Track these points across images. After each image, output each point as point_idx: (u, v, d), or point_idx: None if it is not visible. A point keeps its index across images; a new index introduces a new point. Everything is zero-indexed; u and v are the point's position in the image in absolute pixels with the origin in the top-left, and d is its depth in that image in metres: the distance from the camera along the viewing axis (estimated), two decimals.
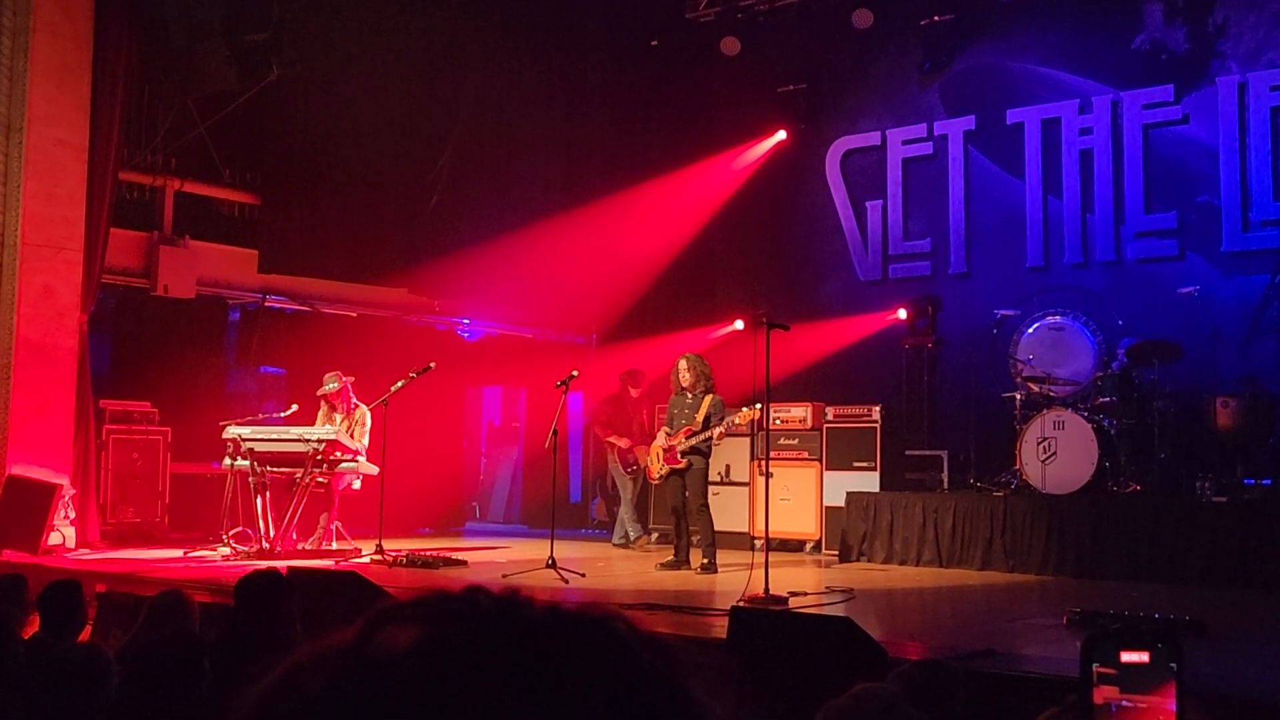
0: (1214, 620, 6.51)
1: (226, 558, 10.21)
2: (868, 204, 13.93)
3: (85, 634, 5.84)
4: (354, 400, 11.05)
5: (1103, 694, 0.95)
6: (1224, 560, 9.09)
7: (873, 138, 13.96)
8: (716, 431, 9.96)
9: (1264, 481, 10.10)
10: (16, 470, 10.93)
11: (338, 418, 10.98)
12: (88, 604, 6.06)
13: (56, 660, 3.69)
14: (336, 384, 10.98)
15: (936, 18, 13.32)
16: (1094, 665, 0.96)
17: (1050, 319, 11.24)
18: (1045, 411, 10.46)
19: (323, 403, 11.11)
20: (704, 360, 10.40)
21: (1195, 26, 11.94)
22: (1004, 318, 11.53)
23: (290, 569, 6.83)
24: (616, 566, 10.71)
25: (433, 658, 0.57)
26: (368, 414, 11.03)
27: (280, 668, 0.60)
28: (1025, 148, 12.85)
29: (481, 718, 0.55)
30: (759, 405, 10.02)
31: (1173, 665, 0.97)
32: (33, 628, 5.42)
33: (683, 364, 10.34)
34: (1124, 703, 0.95)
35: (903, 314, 13.11)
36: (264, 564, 8.53)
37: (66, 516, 11.05)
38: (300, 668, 0.59)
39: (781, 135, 14.53)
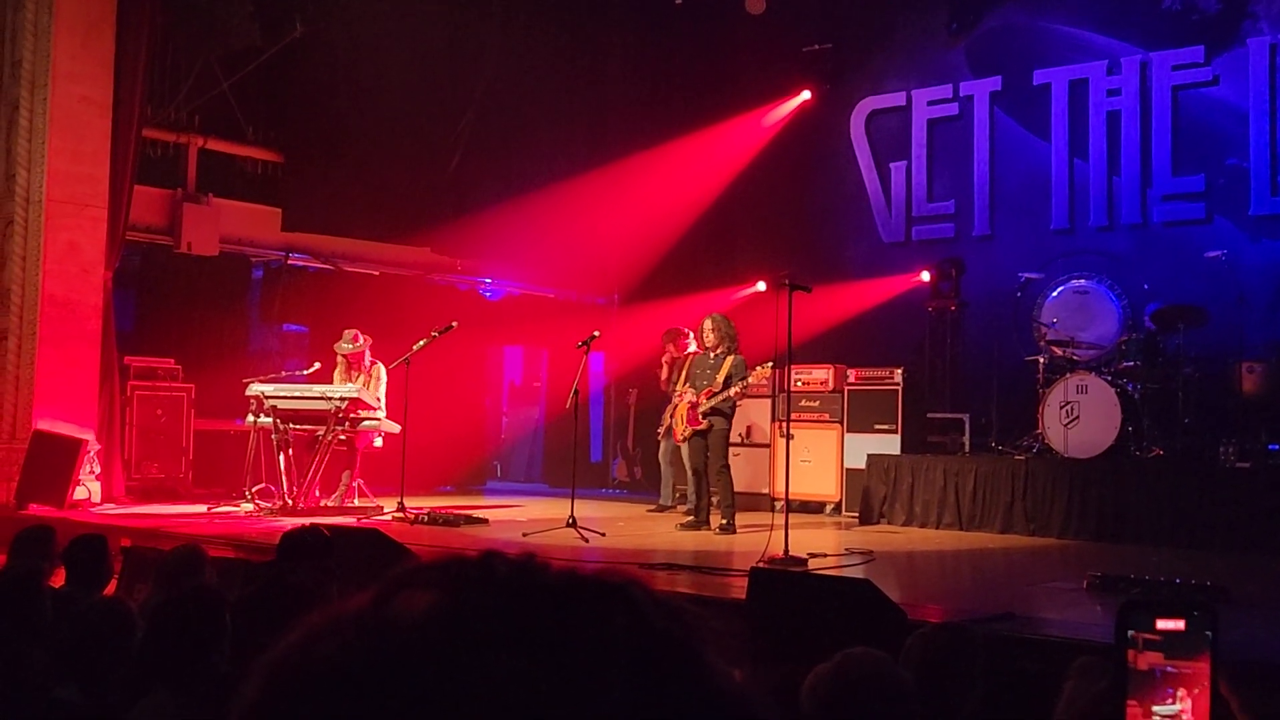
0: (1235, 586, 6.48)
1: (250, 514, 10.28)
2: (891, 165, 13.84)
3: (110, 588, 5.89)
4: (371, 359, 11.08)
5: (1147, 660, 0.94)
6: (1247, 526, 9.04)
7: (898, 98, 13.85)
8: (734, 390, 9.92)
9: None
10: (43, 425, 11.01)
11: (357, 377, 11.02)
12: (113, 558, 6.11)
13: (82, 614, 3.72)
14: (351, 345, 11.01)
15: None
16: (1130, 631, 0.95)
17: (1075, 282, 11.17)
18: (1069, 375, 10.41)
19: (340, 359, 11.14)
20: (729, 321, 10.36)
21: None
22: (1028, 281, 11.45)
23: (316, 525, 6.86)
24: (636, 526, 10.73)
25: (448, 623, 0.57)
26: (383, 370, 11.06)
27: (295, 632, 0.59)
28: (1052, 109, 12.73)
29: (497, 683, 0.54)
30: (770, 364, 9.99)
31: (1208, 634, 0.95)
32: (59, 581, 5.47)
33: (708, 324, 10.31)
34: (1169, 668, 0.93)
35: (926, 276, 13.05)
36: (288, 520, 8.61)
37: (92, 471, 11.13)
38: (315, 632, 0.59)
39: (806, 95, 14.44)
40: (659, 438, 11.92)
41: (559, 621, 0.58)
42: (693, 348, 11.45)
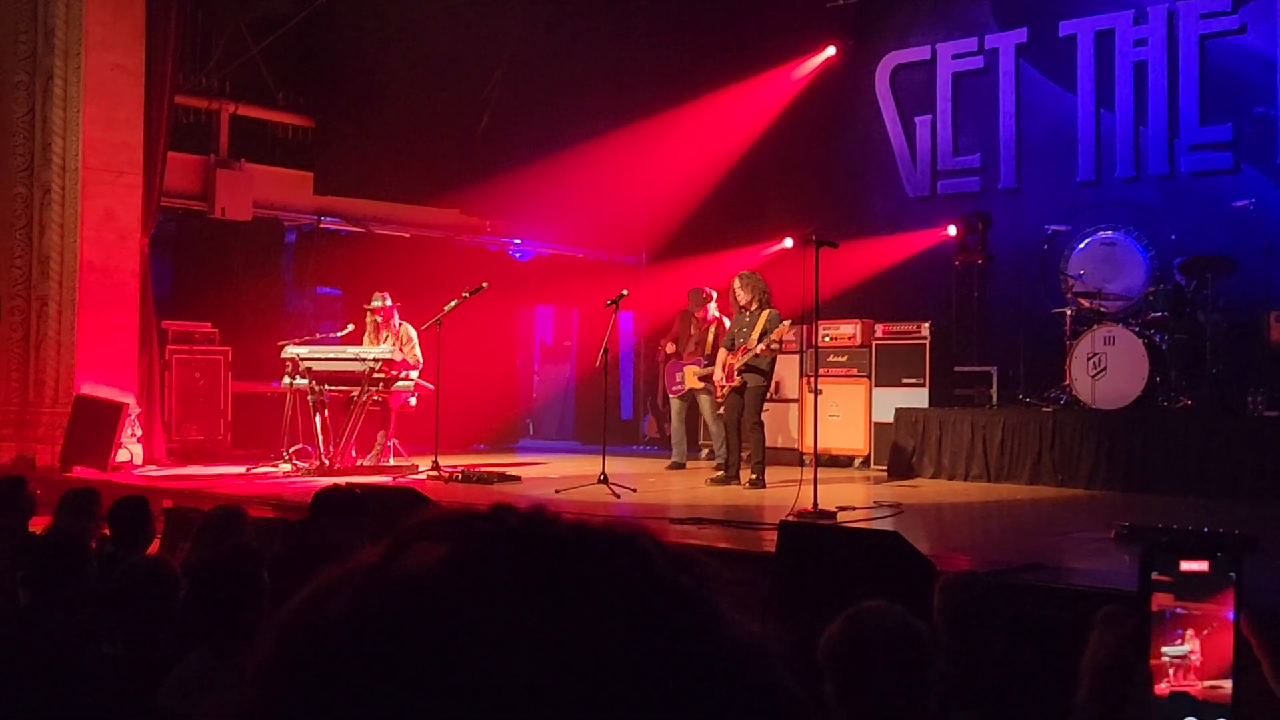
0: (1265, 535, 6.44)
1: (288, 474, 10.37)
2: (917, 120, 13.72)
3: (153, 547, 5.96)
4: (397, 319, 11.12)
5: (1158, 601, 0.93)
6: (1275, 475, 8.98)
7: (922, 52, 13.71)
8: (760, 348, 9.87)
9: None
10: (85, 390, 11.12)
11: (384, 336, 11.07)
12: (155, 519, 6.18)
13: (126, 572, 3.76)
14: (380, 302, 11.08)
15: None
16: (1153, 573, 0.94)
17: (1102, 234, 11.07)
18: (1096, 327, 10.33)
19: (369, 318, 11.19)
20: (758, 276, 10.31)
21: None
22: (1055, 233, 11.36)
23: (350, 484, 6.91)
24: (667, 482, 10.75)
25: (457, 575, 0.57)
26: (412, 332, 11.09)
27: (306, 587, 0.60)
28: (1078, 60, 12.58)
29: (505, 633, 0.55)
30: (789, 323, 9.95)
31: (1231, 574, 0.94)
32: (103, 541, 5.53)
33: (736, 283, 10.26)
34: (1178, 609, 0.93)
35: (952, 230, 12.95)
36: (325, 480, 8.67)
37: (133, 434, 11.24)
38: (326, 587, 0.59)
39: (831, 51, 14.31)
40: (673, 391, 11.91)
41: (567, 572, 0.58)
42: (714, 312, 11.46)
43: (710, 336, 11.43)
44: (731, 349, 10.17)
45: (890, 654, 2.60)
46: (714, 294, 11.59)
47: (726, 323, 11.19)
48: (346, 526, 4.91)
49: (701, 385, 11.33)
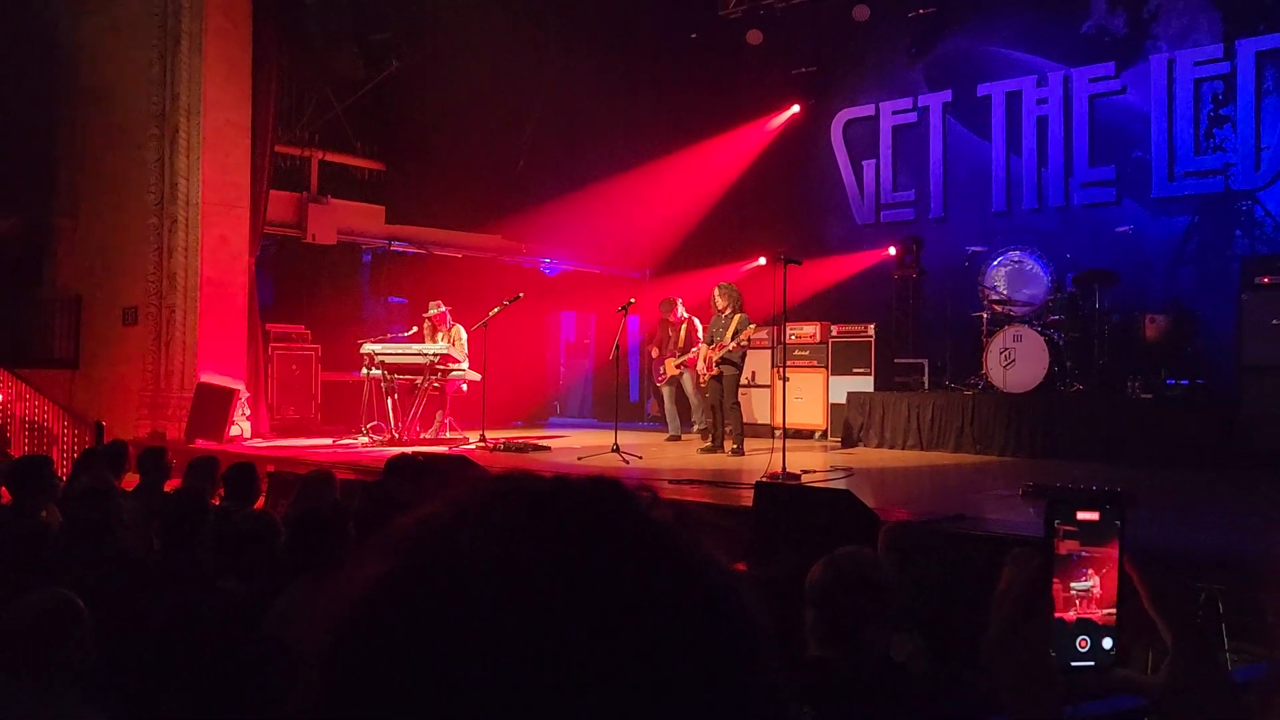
0: (1140, 492, 6.44)
1: (365, 445, 10.37)
2: (864, 162, 13.69)
3: (259, 504, 5.97)
4: (451, 321, 11.12)
5: (1066, 546, 0.94)
6: (1149, 445, 8.97)
7: (868, 109, 13.67)
8: (732, 346, 9.86)
9: (1183, 382, 9.93)
10: (204, 378, 11.14)
11: (440, 336, 11.06)
12: (261, 481, 6.19)
13: (237, 524, 3.78)
14: (437, 309, 11.08)
15: (922, 11, 12.97)
16: (1055, 522, 0.95)
17: (1012, 254, 11.03)
18: (1007, 327, 10.32)
19: (426, 322, 11.19)
20: (734, 287, 10.30)
21: (1132, 13, 11.53)
22: (974, 253, 11.34)
23: (414, 453, 6.92)
24: (666, 450, 10.75)
25: (492, 523, 0.58)
26: (463, 332, 11.09)
27: (410, 515, 0.61)
28: (992, 115, 12.54)
29: (526, 555, 0.55)
30: (753, 326, 9.95)
31: (1117, 523, 0.95)
32: (219, 499, 5.55)
33: (716, 292, 10.26)
34: (1083, 553, 0.94)
35: (892, 251, 12.92)
36: (394, 450, 8.68)
37: (244, 414, 11.26)
38: (430, 517, 0.60)
39: (795, 109, 14.28)
40: (659, 383, 11.92)
41: (568, 510, 0.57)
42: (682, 313, 11.48)
43: (683, 333, 11.44)
44: (710, 344, 10.18)
45: (864, 586, 2.61)
46: (678, 300, 11.63)
47: (697, 322, 11.25)
48: (411, 486, 4.92)
49: (679, 371, 11.36)
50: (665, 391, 11.88)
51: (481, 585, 0.53)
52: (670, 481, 7.47)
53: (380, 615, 0.54)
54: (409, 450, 7.45)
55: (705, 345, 10.31)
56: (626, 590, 0.54)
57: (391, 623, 0.53)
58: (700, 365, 10.31)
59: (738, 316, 10.02)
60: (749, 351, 10.34)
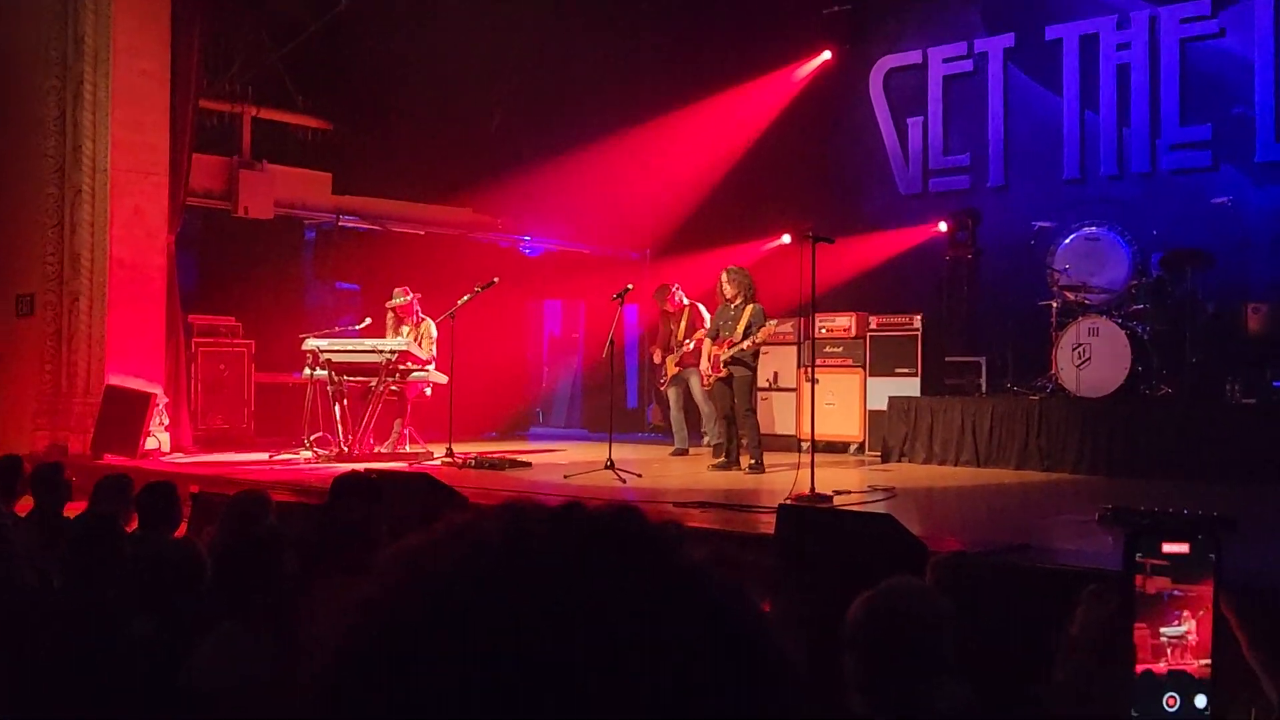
0: (1242, 516, 6.43)
1: (308, 461, 10.37)
2: (909, 121, 13.70)
3: (180, 530, 5.97)
4: (420, 314, 11.12)
5: (1155, 584, 0.93)
6: (1252, 459, 8.95)
7: (914, 56, 13.68)
8: (746, 345, 9.84)
9: None
10: (114, 380, 11.14)
11: (405, 329, 11.06)
12: (182, 503, 6.18)
13: (155, 554, 3.77)
14: (404, 298, 11.06)
15: None
16: (1137, 555, 0.94)
17: (1086, 229, 11.03)
18: (1080, 318, 10.31)
19: (390, 314, 11.18)
20: (745, 272, 10.29)
21: None
22: (1041, 229, 11.33)
23: (367, 471, 6.91)
24: (671, 467, 10.74)
25: (523, 544, 0.64)
26: (433, 326, 11.09)
27: (413, 539, 0.66)
28: (1063, 63, 12.54)
29: (555, 587, 0.61)
30: (774, 323, 9.92)
31: (1211, 556, 0.94)
32: (132, 525, 5.54)
33: (724, 277, 10.24)
34: (1175, 592, 0.93)
35: (943, 227, 12.93)
36: (344, 466, 8.67)
37: (161, 423, 11.26)
38: (425, 545, 0.66)
39: (826, 56, 14.29)
40: (661, 387, 11.90)
41: (592, 539, 0.64)
42: (681, 299, 11.48)
43: (684, 322, 11.45)
44: (715, 339, 10.16)
45: (918, 625, 2.60)
46: (675, 285, 11.65)
47: (701, 307, 11.24)
48: (365, 510, 4.91)
49: (679, 369, 11.35)
50: (672, 395, 11.87)
51: (476, 642, 0.59)
52: (675, 504, 7.46)
53: (386, 666, 0.60)
54: (360, 467, 7.44)
55: (709, 340, 10.29)
56: (655, 656, 0.59)
57: (402, 684, 0.59)
58: (704, 364, 10.30)
59: (750, 307, 9.99)
60: (770, 348, 10.34)
